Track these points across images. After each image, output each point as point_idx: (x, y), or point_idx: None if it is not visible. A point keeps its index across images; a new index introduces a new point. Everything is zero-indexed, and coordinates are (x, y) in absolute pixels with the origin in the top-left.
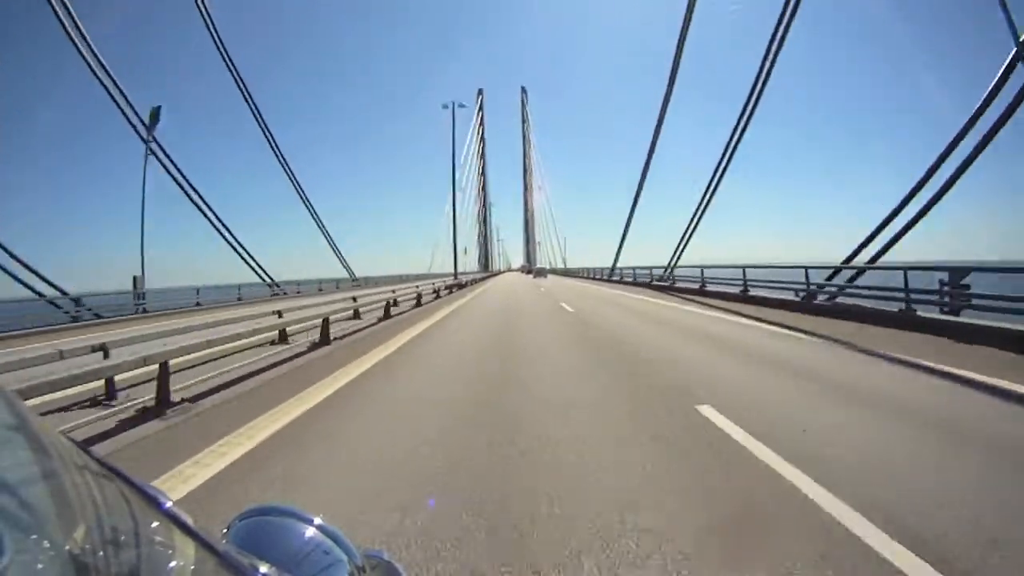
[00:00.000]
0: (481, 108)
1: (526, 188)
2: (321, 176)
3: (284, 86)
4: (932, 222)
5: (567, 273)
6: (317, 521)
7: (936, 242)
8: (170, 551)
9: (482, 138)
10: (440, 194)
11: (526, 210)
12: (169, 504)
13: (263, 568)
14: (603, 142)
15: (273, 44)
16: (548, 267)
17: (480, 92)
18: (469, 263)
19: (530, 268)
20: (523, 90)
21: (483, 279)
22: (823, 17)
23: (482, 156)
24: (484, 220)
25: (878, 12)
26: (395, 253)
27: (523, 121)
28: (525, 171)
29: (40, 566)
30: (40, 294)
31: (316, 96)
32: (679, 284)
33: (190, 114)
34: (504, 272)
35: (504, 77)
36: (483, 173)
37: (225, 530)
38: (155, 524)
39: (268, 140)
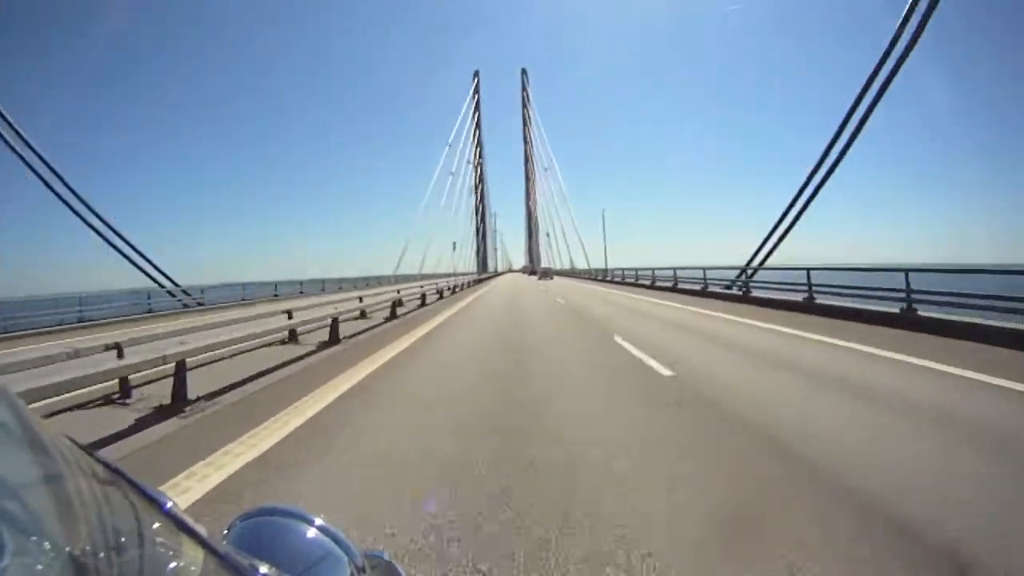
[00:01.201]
0: (477, 91)
1: (528, 179)
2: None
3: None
4: (936, 225)
5: (607, 277)
6: (318, 522)
7: (940, 244)
8: (170, 552)
9: (478, 124)
10: (419, 185)
11: (528, 204)
12: (170, 505)
13: (263, 568)
14: (619, 138)
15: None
16: (557, 267)
17: (476, 74)
18: (463, 262)
19: (533, 268)
20: (523, 72)
21: (474, 283)
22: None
23: (478, 143)
24: (481, 215)
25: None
26: (383, 252)
27: (523, 105)
28: (527, 159)
29: (40, 567)
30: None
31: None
32: None
33: None
34: (504, 273)
35: (504, 69)
36: (480, 162)
37: (226, 531)
38: (156, 525)
39: None
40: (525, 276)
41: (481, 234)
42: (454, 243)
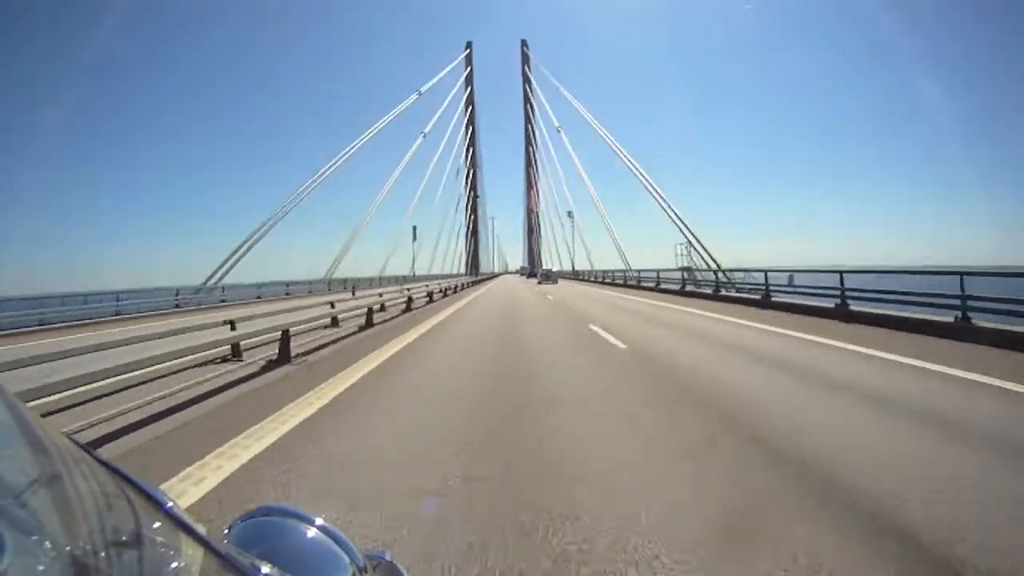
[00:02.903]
0: (469, 64)
1: (530, 163)
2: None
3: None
4: (940, 227)
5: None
6: (318, 521)
7: (942, 247)
8: (171, 552)
9: (470, 103)
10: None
11: (529, 196)
12: (170, 504)
13: (264, 568)
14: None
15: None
16: (561, 269)
17: (468, 45)
18: (447, 263)
19: (532, 270)
20: (523, 43)
21: (462, 288)
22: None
23: (470, 124)
24: (472, 207)
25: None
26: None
27: (524, 80)
28: (528, 141)
29: (41, 567)
30: None
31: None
32: None
33: None
34: (501, 275)
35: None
36: (472, 145)
37: (226, 530)
38: (156, 524)
39: None
40: (523, 279)
41: (472, 230)
42: (414, 228)
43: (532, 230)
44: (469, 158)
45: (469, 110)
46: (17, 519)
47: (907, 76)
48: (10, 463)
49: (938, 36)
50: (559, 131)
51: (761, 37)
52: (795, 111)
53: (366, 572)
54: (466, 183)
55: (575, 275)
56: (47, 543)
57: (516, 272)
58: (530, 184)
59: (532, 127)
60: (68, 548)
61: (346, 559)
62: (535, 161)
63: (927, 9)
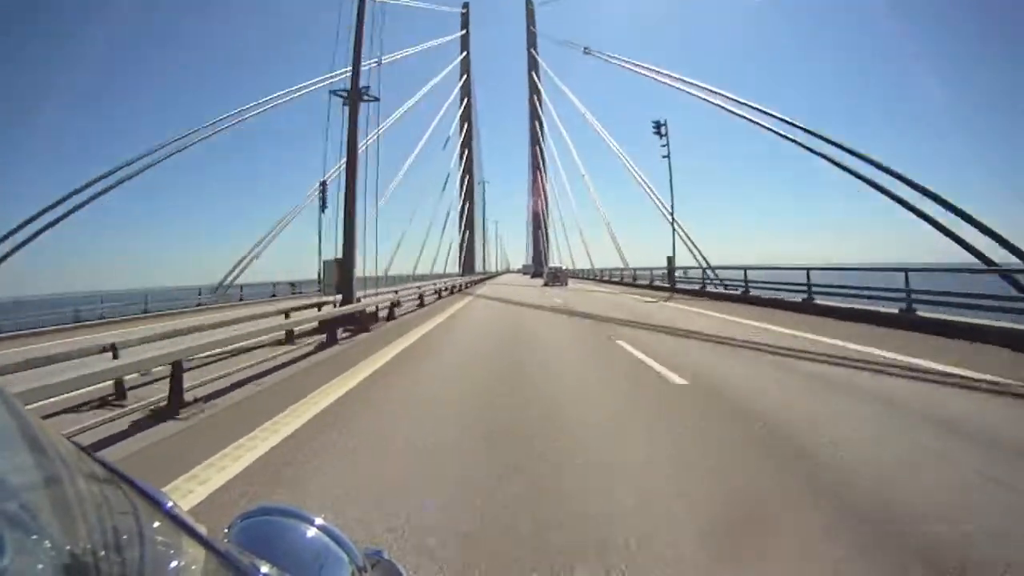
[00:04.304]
0: (465, 26)
1: (534, 141)
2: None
3: None
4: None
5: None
6: (318, 521)
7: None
8: (171, 551)
9: (467, 71)
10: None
11: (536, 180)
12: (170, 505)
13: (264, 568)
14: None
15: None
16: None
17: (466, 6)
18: (437, 261)
19: (537, 268)
20: (528, 1)
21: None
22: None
23: (467, 96)
24: (469, 194)
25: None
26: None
27: (529, 45)
28: (533, 114)
29: (41, 567)
30: None
31: None
32: None
33: None
34: (500, 274)
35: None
36: (468, 120)
37: (226, 530)
38: (156, 525)
39: None
40: (527, 280)
41: (467, 222)
42: (323, 184)
43: (538, 224)
44: (464, 131)
45: (464, 80)
46: (17, 520)
47: (908, 75)
48: (10, 465)
49: (940, 35)
50: (586, 52)
51: (759, 35)
52: (794, 109)
53: (365, 571)
54: (460, 169)
55: (633, 278)
56: (47, 543)
57: (518, 271)
58: (536, 168)
59: (539, 98)
60: (68, 548)
61: (345, 558)
62: (543, 139)
63: (930, 7)
